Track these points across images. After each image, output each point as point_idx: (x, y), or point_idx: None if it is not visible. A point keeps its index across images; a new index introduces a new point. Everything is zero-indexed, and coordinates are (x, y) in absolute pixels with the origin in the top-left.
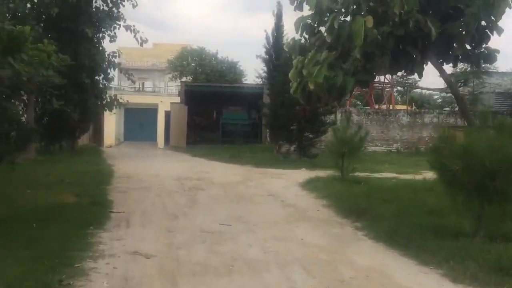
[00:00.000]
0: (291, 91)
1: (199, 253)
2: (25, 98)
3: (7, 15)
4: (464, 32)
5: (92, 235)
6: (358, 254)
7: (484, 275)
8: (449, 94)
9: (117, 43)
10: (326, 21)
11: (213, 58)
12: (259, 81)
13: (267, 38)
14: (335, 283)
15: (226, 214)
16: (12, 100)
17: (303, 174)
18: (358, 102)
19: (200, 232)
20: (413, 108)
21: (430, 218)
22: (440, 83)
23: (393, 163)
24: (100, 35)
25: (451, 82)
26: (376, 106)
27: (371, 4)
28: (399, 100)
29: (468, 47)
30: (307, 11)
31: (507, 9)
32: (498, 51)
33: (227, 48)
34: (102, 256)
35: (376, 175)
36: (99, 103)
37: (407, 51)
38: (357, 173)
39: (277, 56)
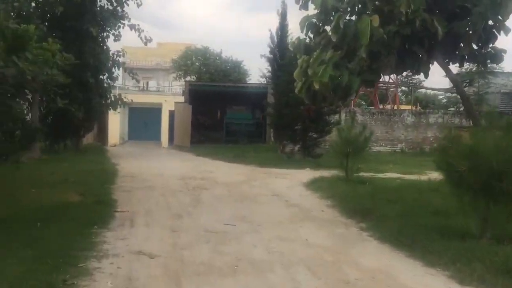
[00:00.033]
0: (296, 90)
1: (203, 253)
2: (29, 97)
3: (12, 14)
4: (471, 32)
5: (96, 235)
6: (364, 255)
7: (491, 277)
8: (454, 94)
9: (121, 42)
10: (332, 20)
11: (217, 58)
12: (263, 80)
13: (271, 37)
14: (340, 284)
15: (230, 214)
16: (17, 99)
17: (307, 174)
18: (362, 102)
19: (204, 232)
20: (418, 108)
21: (436, 218)
22: (445, 83)
23: (398, 163)
24: (105, 34)
25: (458, 82)
26: (381, 106)
27: (376, 3)
28: (403, 100)
29: (474, 46)
30: (312, 10)
31: None
32: (505, 51)
33: (231, 47)
34: (106, 255)
35: (381, 175)
36: (104, 102)
37: (413, 51)
38: (361, 173)
39: (282, 55)
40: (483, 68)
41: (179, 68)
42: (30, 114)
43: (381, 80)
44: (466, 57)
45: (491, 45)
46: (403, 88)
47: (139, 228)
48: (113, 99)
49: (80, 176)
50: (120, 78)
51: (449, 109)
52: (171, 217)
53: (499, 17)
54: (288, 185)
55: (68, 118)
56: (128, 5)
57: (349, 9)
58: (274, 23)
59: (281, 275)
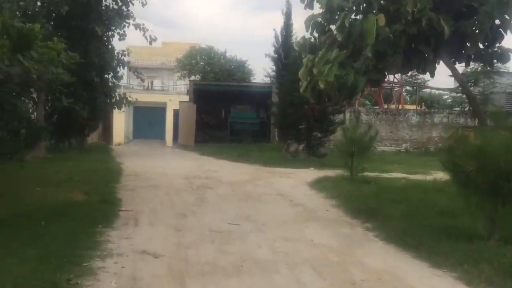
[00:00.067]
0: (301, 90)
1: (208, 253)
2: (35, 96)
3: (18, 13)
4: (477, 31)
5: (100, 234)
6: (369, 255)
7: (499, 279)
8: (459, 94)
9: (126, 42)
10: (337, 20)
11: (222, 57)
12: (267, 80)
13: (276, 37)
14: (346, 285)
15: (235, 213)
16: (22, 98)
17: (311, 174)
18: (367, 102)
19: (208, 231)
20: (423, 108)
21: (442, 219)
22: (450, 83)
23: (403, 163)
24: (110, 33)
25: (464, 81)
26: (385, 106)
27: (382, 2)
28: (408, 100)
29: (481, 46)
30: (317, 9)
31: None
32: (511, 51)
33: (236, 47)
34: (111, 255)
35: (386, 175)
36: (108, 101)
37: (419, 50)
38: (366, 173)
39: (286, 55)
40: (489, 68)
41: (184, 68)
42: (35, 113)
43: (385, 79)
44: (473, 56)
45: (497, 45)
46: (408, 87)
47: (143, 227)
48: (118, 98)
49: (84, 175)
50: (125, 77)
51: (454, 109)
52: (176, 216)
53: (506, 16)
54: (292, 185)
55: (73, 117)
56: (133, 4)
57: (354, 8)
58: (278, 22)
59: (286, 275)
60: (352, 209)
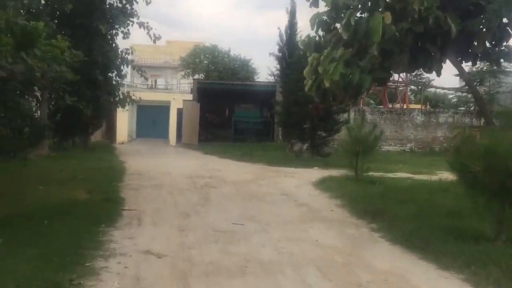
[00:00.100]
0: (306, 88)
1: (211, 253)
2: (38, 94)
3: (21, 11)
4: (484, 30)
5: (103, 233)
6: (375, 256)
7: (507, 281)
8: (465, 94)
9: (130, 40)
10: (343, 18)
11: (226, 56)
12: (271, 79)
13: (280, 35)
14: (352, 287)
15: (239, 213)
16: (26, 96)
17: (316, 173)
18: (371, 101)
19: (212, 231)
20: (428, 107)
21: (449, 220)
22: (455, 82)
23: (407, 163)
24: (114, 31)
25: (471, 80)
26: (390, 105)
27: (388, 0)
28: (413, 99)
29: (488, 45)
30: (323, 7)
31: None
32: None
33: (240, 45)
34: (114, 255)
35: (390, 175)
36: (112, 99)
37: (425, 49)
38: (371, 173)
39: (291, 53)
40: (495, 67)
41: (188, 66)
42: (38, 111)
43: (390, 78)
44: (479, 55)
45: (505, 44)
46: (412, 87)
47: (146, 227)
48: (121, 96)
49: (88, 173)
50: (128, 76)
51: (459, 108)
52: (179, 216)
53: None
54: (296, 184)
55: (76, 115)
56: (137, 2)
57: (360, 6)
58: (282, 21)
59: (291, 276)
60: (357, 209)
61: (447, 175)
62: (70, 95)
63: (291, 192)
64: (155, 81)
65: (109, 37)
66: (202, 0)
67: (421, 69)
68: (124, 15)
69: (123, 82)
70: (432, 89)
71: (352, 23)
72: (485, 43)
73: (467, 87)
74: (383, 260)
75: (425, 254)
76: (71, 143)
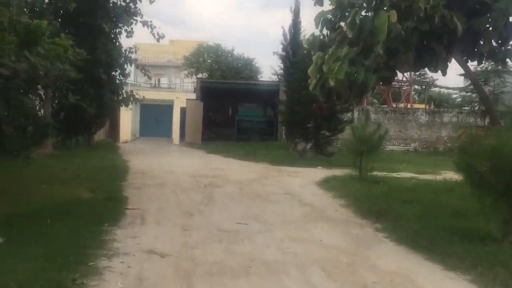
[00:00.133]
0: (310, 87)
1: (215, 253)
2: (41, 92)
3: (25, 9)
4: (491, 28)
5: (106, 232)
6: (380, 257)
7: None
8: (469, 93)
9: (133, 39)
10: (347, 16)
11: (229, 55)
12: (275, 78)
13: (284, 34)
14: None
15: (242, 213)
16: (29, 95)
17: (319, 173)
18: (375, 101)
19: (216, 230)
20: (432, 107)
21: (454, 220)
22: (459, 82)
23: (411, 163)
24: (117, 30)
25: (477, 80)
26: (394, 105)
27: None
28: (416, 99)
29: (494, 44)
30: (327, 6)
31: None
32: None
33: (243, 45)
34: (117, 254)
35: (395, 174)
36: (115, 98)
37: (431, 47)
38: (375, 173)
39: (294, 53)
40: (499, 67)
41: (191, 65)
42: (42, 110)
43: (395, 78)
44: (485, 54)
45: (511, 43)
46: (416, 86)
47: (150, 226)
48: (125, 95)
49: (91, 172)
50: (132, 75)
51: (463, 108)
52: (182, 215)
53: None
54: (300, 184)
55: (80, 114)
56: (140, 1)
57: (365, 4)
58: (286, 20)
59: (295, 276)
60: (361, 209)
61: (452, 175)
62: (74, 94)
63: (295, 191)
64: (159, 80)
65: (112, 35)
66: (204, 0)
67: (426, 68)
68: (127, 13)
69: (127, 81)
70: (436, 89)
71: (357, 21)
72: (491, 42)
73: (471, 87)
74: (388, 260)
75: (430, 255)
76: (74, 142)
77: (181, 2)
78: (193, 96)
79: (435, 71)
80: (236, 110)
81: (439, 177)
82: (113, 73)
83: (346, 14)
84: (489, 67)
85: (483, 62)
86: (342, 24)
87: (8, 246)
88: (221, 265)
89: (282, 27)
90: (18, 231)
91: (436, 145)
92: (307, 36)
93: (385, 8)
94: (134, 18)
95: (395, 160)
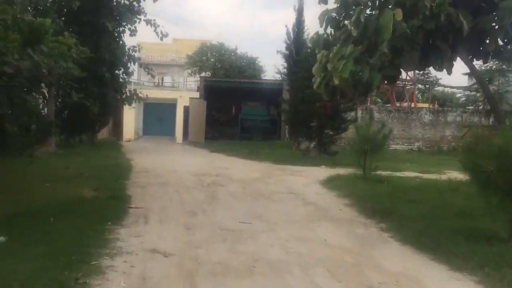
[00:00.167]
0: (314, 86)
1: (219, 252)
2: (45, 91)
3: (29, 7)
4: (497, 27)
5: (109, 231)
6: (385, 257)
7: None
8: (473, 92)
9: (137, 38)
10: (352, 15)
11: (232, 54)
12: (278, 77)
13: (287, 33)
14: None
15: (246, 212)
16: (32, 93)
17: (323, 172)
18: (378, 100)
19: (219, 230)
20: (436, 106)
21: (460, 220)
22: (463, 81)
23: (415, 162)
24: (121, 29)
25: (482, 79)
26: (397, 104)
27: None
28: (420, 98)
29: (500, 42)
30: (331, 4)
31: None
32: None
33: (247, 44)
34: (120, 253)
35: (399, 174)
36: (119, 97)
37: (436, 46)
38: (379, 172)
39: (298, 51)
40: (505, 66)
41: (194, 64)
42: (45, 108)
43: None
44: (491, 53)
45: None
46: (419, 86)
47: (153, 225)
48: (128, 94)
49: (94, 170)
50: (135, 73)
51: (467, 107)
52: (186, 214)
53: None
54: (304, 183)
55: (83, 112)
56: (144, 0)
57: (370, 3)
58: (289, 19)
59: (299, 276)
60: (365, 209)
61: (456, 175)
62: (77, 92)
63: (298, 190)
64: (162, 79)
65: (116, 34)
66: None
67: (431, 67)
68: (131, 12)
69: (130, 80)
70: (440, 88)
71: (362, 20)
72: (497, 41)
73: (475, 86)
74: (394, 260)
75: (436, 255)
76: (77, 140)
77: (184, 1)
78: (196, 95)
79: (440, 70)
80: (239, 109)
81: (443, 177)
82: (116, 71)
83: (351, 12)
84: (494, 66)
85: (489, 61)
86: (347, 22)
87: (11, 245)
88: (224, 265)
89: (286, 26)
90: (20, 230)
91: (440, 144)
92: (311, 35)
93: (390, 7)
94: (138, 16)
95: (399, 160)
